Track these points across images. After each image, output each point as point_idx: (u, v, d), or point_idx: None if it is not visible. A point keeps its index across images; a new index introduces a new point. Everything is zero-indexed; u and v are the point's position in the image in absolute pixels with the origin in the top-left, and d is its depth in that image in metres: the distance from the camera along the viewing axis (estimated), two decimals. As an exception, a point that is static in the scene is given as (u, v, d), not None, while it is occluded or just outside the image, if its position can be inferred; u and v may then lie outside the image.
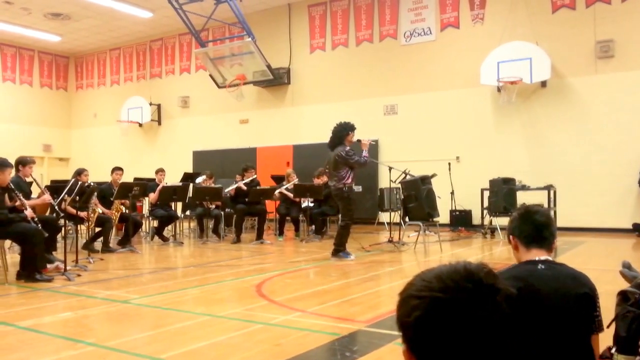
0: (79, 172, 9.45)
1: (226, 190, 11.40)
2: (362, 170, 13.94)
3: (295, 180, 11.81)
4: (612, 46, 12.14)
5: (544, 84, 12.82)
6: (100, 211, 9.58)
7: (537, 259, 2.40)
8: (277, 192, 11.69)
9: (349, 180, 8.37)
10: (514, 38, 12.96)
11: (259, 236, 11.01)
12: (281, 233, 11.68)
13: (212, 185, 11.80)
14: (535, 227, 2.45)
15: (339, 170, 8.40)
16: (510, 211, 10.86)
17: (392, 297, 5.75)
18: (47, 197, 7.39)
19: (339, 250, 8.48)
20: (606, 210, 12.13)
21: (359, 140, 8.60)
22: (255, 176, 11.83)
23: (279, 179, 12.53)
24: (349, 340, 4.08)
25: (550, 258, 2.44)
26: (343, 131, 8.49)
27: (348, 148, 8.38)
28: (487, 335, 1.02)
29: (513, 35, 13.02)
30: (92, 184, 9.15)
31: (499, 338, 1.03)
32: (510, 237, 2.53)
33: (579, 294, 2.30)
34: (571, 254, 8.89)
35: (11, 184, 6.78)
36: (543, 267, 2.37)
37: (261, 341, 4.08)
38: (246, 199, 11.20)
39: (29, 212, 6.71)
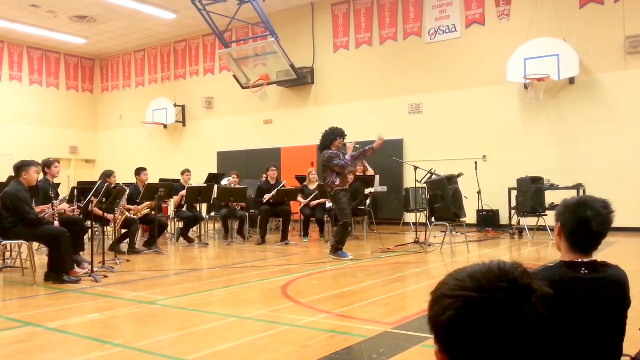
0: (107, 175, 9.51)
1: (267, 196, 11.27)
2: (387, 171, 14.07)
3: (316, 181, 11.85)
4: (643, 41, 11.91)
5: (572, 80, 12.60)
6: (129, 215, 9.65)
7: (579, 261, 2.20)
8: (302, 205, 11.72)
9: (337, 183, 8.61)
10: (540, 34, 12.76)
11: (284, 237, 11.00)
12: (306, 234, 11.65)
13: (238, 186, 11.83)
14: (589, 235, 2.19)
15: (326, 173, 8.76)
16: (538, 211, 10.68)
17: (418, 298, 5.70)
18: (64, 206, 7.45)
19: (338, 249, 8.71)
20: (638, 209, 11.86)
21: (344, 145, 8.82)
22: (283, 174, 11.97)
23: (303, 179, 12.51)
24: (375, 342, 4.02)
25: (594, 259, 2.24)
26: (332, 135, 8.77)
27: (330, 152, 8.63)
28: (523, 337, 0.99)
29: (540, 31, 12.82)
30: (120, 184, 9.20)
31: (534, 340, 1.00)
32: (557, 222, 2.25)
33: (623, 307, 2.17)
34: (603, 255, 8.53)
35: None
36: (586, 271, 2.18)
37: (287, 343, 4.05)
38: (271, 200, 11.19)
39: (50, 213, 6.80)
